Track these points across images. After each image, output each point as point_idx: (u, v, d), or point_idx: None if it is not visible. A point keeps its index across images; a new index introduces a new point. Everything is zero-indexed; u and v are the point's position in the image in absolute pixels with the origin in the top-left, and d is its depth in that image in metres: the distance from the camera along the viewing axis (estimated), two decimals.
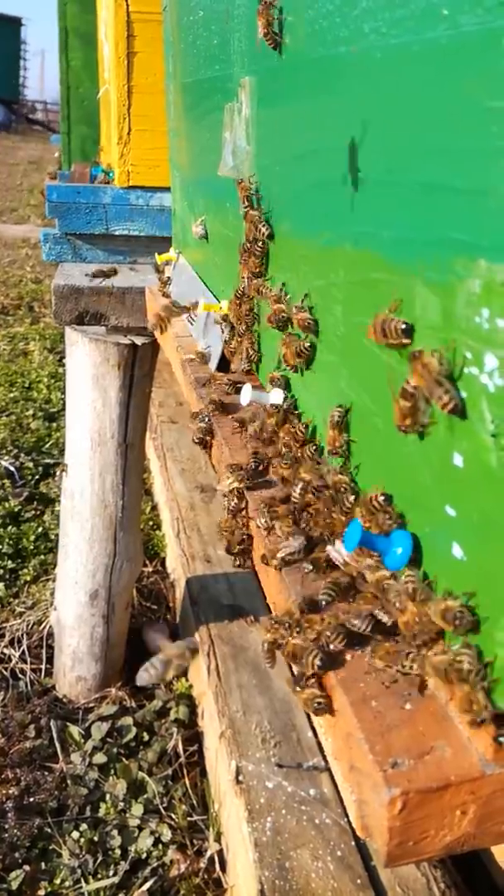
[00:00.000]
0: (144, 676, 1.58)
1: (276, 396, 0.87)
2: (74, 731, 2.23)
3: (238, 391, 0.99)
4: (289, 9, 0.77)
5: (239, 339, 1.03)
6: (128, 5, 1.92)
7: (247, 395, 0.90)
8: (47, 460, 3.64)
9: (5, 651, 2.49)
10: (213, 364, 1.13)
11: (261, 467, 0.82)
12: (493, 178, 0.43)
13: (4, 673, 2.42)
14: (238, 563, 0.81)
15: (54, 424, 3.98)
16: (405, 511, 0.59)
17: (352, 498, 0.65)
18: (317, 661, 0.57)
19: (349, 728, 0.54)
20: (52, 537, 3.01)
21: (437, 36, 0.47)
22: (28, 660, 2.48)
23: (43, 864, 1.86)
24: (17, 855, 1.86)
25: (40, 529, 3.08)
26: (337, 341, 0.71)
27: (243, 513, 0.79)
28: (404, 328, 0.55)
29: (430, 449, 0.54)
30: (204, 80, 1.23)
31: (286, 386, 0.87)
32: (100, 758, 2.14)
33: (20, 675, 2.43)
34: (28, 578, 2.83)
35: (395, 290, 0.57)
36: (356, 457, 0.69)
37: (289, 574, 0.69)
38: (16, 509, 3.20)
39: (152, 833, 1.94)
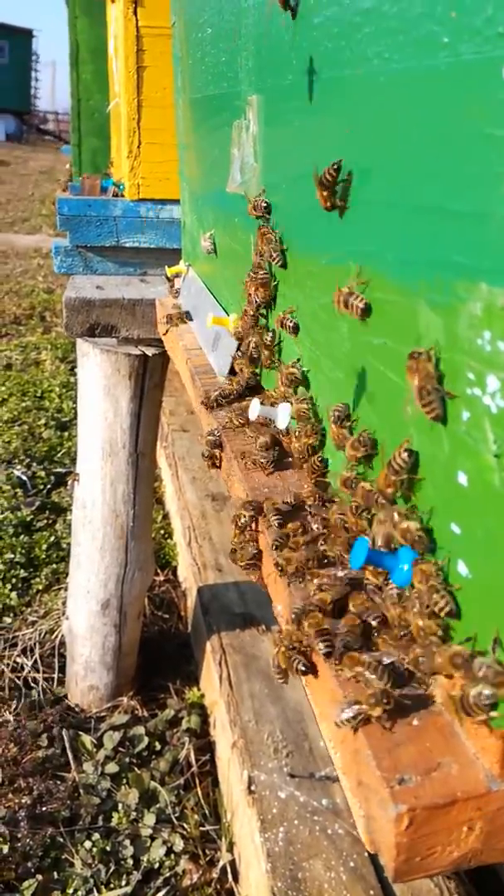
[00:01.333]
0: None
1: (284, 411, 0.88)
2: (87, 740, 2.24)
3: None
4: (295, 29, 0.78)
5: (247, 351, 1.04)
6: (137, 20, 1.94)
7: (255, 409, 0.90)
8: (59, 469, 3.66)
9: (18, 660, 2.51)
10: (222, 378, 1.14)
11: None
12: (493, 203, 0.43)
13: (17, 682, 2.44)
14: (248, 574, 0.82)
15: (66, 433, 4.00)
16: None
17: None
18: (300, 668, 0.62)
19: (357, 744, 0.55)
20: (64, 546, 3.02)
21: (437, 63, 0.48)
22: (40, 669, 2.49)
23: (55, 874, 1.87)
24: (29, 864, 1.87)
25: (52, 538, 3.10)
26: (343, 358, 0.72)
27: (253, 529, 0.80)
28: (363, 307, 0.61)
29: (435, 468, 0.54)
30: (212, 96, 1.24)
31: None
32: (112, 767, 2.15)
33: (33, 684, 2.44)
34: (40, 587, 2.84)
35: (399, 309, 0.58)
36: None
37: (297, 589, 0.70)
38: (28, 518, 3.22)
39: (164, 843, 1.95)
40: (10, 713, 2.31)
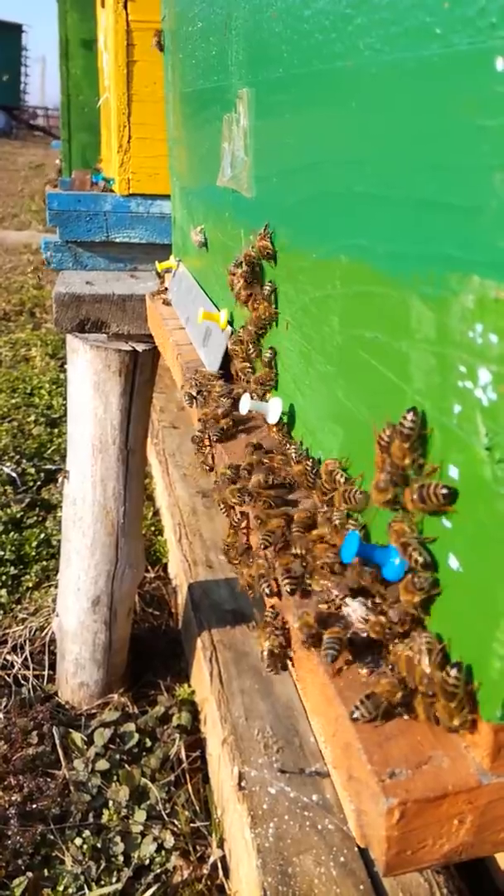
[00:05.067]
0: None
1: (275, 405, 0.88)
2: (77, 737, 2.23)
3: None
4: (285, 21, 0.77)
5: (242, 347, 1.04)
6: (127, 14, 1.93)
7: (245, 404, 0.90)
8: (49, 466, 3.64)
9: (8, 657, 2.50)
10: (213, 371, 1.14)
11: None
12: (485, 195, 0.43)
13: (7, 679, 2.43)
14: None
15: (56, 430, 3.98)
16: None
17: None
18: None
19: (348, 738, 0.55)
20: (55, 543, 3.01)
21: (430, 54, 0.48)
22: (30, 666, 2.48)
23: (46, 871, 1.86)
24: (19, 862, 1.86)
25: (42, 536, 3.09)
26: (334, 352, 0.72)
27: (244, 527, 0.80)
28: (445, 492, 0.50)
29: (427, 462, 0.54)
30: (203, 90, 1.24)
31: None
32: (102, 764, 2.14)
33: (23, 682, 2.44)
34: (30, 585, 2.83)
35: (391, 302, 0.57)
36: (353, 468, 0.69)
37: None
38: (18, 515, 3.21)
39: (155, 839, 1.94)
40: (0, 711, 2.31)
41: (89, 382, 2.04)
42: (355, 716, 0.54)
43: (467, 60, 0.44)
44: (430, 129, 0.49)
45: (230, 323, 1.14)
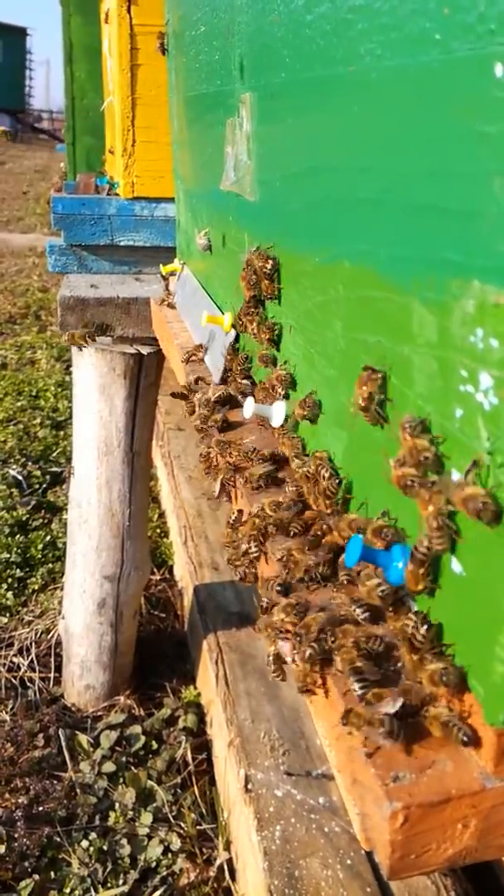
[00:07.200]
0: None
1: (278, 409, 0.88)
2: (83, 739, 2.24)
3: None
4: (287, 26, 0.78)
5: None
6: (131, 18, 1.93)
7: (249, 408, 0.90)
8: (55, 469, 3.65)
9: (14, 660, 2.50)
10: (216, 377, 1.14)
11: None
12: (485, 200, 0.43)
13: (13, 682, 2.43)
14: (240, 576, 0.82)
15: (62, 433, 3.99)
16: (405, 527, 0.60)
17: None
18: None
19: (351, 741, 0.55)
20: (60, 546, 3.02)
21: (430, 60, 0.48)
22: (37, 668, 2.49)
23: (52, 874, 1.87)
24: (26, 864, 1.87)
25: (48, 538, 3.10)
26: (337, 355, 0.72)
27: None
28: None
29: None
30: (206, 94, 1.24)
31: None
32: (109, 766, 2.14)
33: (29, 684, 2.44)
34: (36, 587, 2.84)
35: (393, 307, 0.58)
36: (355, 474, 0.69)
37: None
38: (24, 518, 3.22)
39: (161, 842, 1.94)
40: (6, 713, 2.31)
41: (94, 385, 2.04)
42: (360, 693, 0.54)
43: (467, 66, 0.44)
44: (430, 134, 0.49)
45: (234, 326, 1.15)
